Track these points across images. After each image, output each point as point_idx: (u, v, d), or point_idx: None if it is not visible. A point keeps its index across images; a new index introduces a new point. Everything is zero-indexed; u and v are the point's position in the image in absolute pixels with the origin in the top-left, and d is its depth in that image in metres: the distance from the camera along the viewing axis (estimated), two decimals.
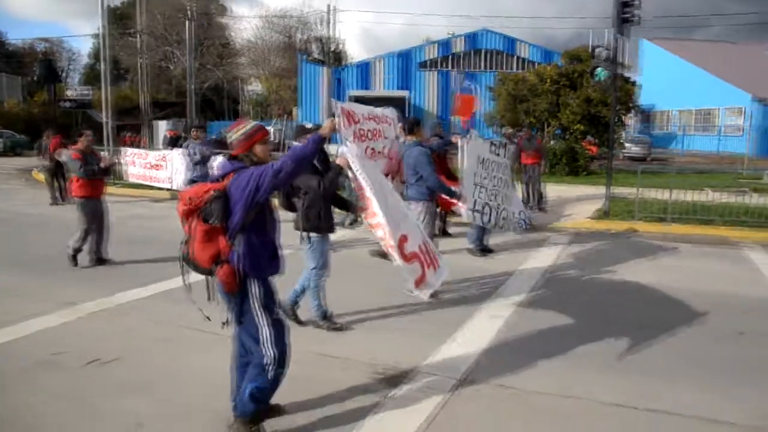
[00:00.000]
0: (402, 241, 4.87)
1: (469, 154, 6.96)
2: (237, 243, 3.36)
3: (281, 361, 3.46)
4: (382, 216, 4.80)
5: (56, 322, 5.60)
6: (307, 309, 5.56)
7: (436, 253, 5.40)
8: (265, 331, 3.43)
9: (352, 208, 5.64)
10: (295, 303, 5.58)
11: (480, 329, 5.50)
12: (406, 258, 4.86)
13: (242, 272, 3.37)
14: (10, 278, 7.14)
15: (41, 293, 6.52)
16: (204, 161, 10.73)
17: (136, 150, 16.18)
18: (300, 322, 5.50)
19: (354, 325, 5.57)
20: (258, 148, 3.51)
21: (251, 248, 3.40)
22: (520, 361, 4.77)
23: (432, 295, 6.46)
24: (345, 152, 4.92)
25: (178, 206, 3.36)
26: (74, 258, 7.75)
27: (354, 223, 10.09)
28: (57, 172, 13.93)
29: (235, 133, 3.52)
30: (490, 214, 7.21)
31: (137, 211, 12.88)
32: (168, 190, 14.24)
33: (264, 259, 3.48)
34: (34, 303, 6.09)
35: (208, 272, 3.39)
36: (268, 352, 3.41)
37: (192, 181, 10.60)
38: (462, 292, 6.73)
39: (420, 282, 4.95)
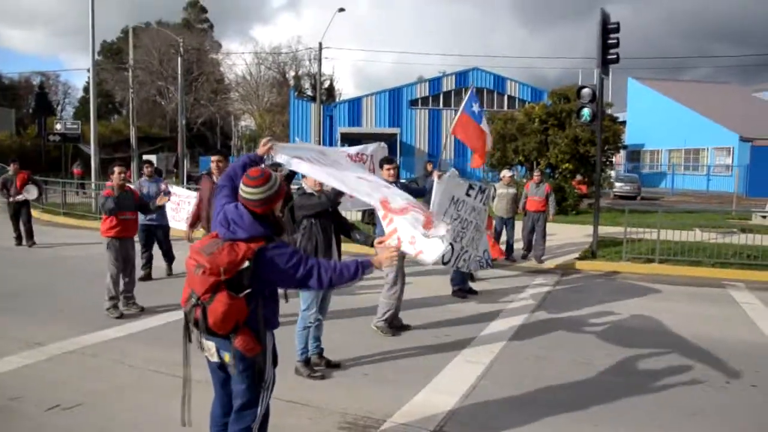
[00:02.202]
0: (384, 203, 4.61)
1: (443, 191, 6.82)
2: (255, 303, 3.05)
3: (265, 422, 3.26)
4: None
5: (18, 364, 5.37)
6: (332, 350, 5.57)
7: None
8: (269, 388, 3.20)
9: (367, 238, 5.13)
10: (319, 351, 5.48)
11: (459, 376, 5.30)
12: (400, 212, 4.54)
13: (261, 330, 3.08)
14: None
15: (3, 332, 6.30)
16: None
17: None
18: (332, 365, 5.44)
19: (332, 371, 5.37)
20: (277, 206, 3.19)
21: (269, 305, 3.14)
22: (498, 412, 4.58)
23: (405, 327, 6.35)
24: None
25: (200, 274, 2.89)
26: (116, 307, 7.17)
27: None
28: (19, 210, 12.49)
29: (261, 187, 3.06)
30: (451, 255, 7.09)
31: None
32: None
33: (277, 310, 3.25)
34: None
35: (224, 338, 3.04)
36: (260, 411, 3.15)
37: (145, 225, 9.29)
38: (443, 336, 6.55)
39: (429, 223, 4.70)
